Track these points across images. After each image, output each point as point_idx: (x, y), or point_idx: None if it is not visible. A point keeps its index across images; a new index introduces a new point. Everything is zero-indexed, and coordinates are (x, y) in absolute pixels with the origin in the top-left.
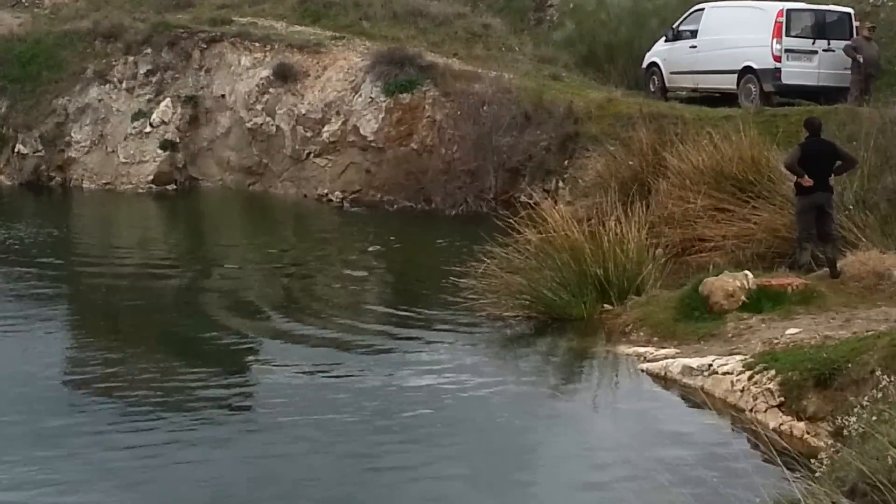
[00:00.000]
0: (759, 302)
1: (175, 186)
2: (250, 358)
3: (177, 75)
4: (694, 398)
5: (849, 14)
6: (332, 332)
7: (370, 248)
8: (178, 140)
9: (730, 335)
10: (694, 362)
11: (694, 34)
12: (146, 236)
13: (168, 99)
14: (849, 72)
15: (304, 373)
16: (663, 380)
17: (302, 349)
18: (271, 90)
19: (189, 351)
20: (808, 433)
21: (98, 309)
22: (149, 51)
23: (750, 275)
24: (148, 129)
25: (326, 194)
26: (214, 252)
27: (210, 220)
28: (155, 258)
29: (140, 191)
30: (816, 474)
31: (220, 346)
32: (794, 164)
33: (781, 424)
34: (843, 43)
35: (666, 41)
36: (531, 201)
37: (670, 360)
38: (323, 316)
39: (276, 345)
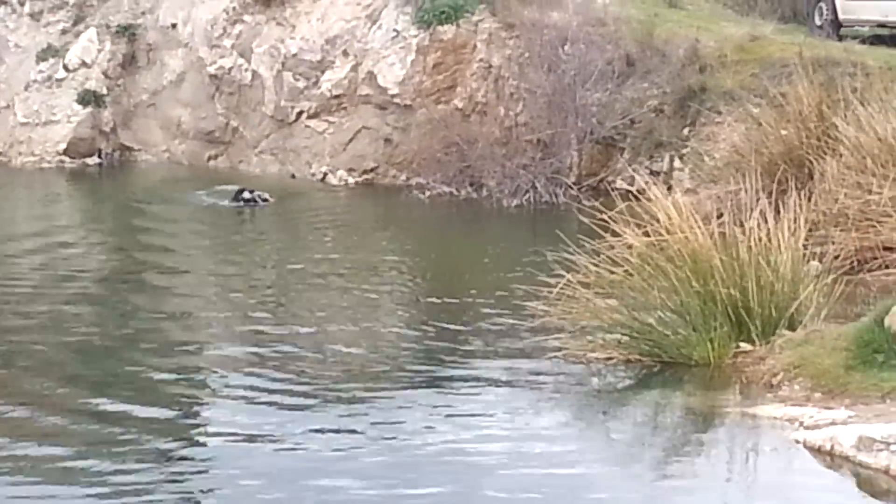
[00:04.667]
0: None
1: (99, 160)
2: (212, 405)
3: None
4: (876, 484)
5: None
6: (334, 380)
7: (389, 257)
8: (105, 91)
9: None
10: (876, 431)
11: None
12: (49, 238)
13: (92, 30)
14: None
15: (280, 435)
16: (829, 456)
17: (290, 399)
18: (246, 18)
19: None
20: None
21: None
22: None
23: None
24: (61, 73)
25: (324, 174)
26: (159, 259)
27: (151, 212)
28: (53, 269)
29: (46, 166)
30: None
31: (160, 385)
32: None
33: None
34: None
35: None
36: (633, 188)
37: (840, 428)
38: (322, 351)
39: (260, 389)
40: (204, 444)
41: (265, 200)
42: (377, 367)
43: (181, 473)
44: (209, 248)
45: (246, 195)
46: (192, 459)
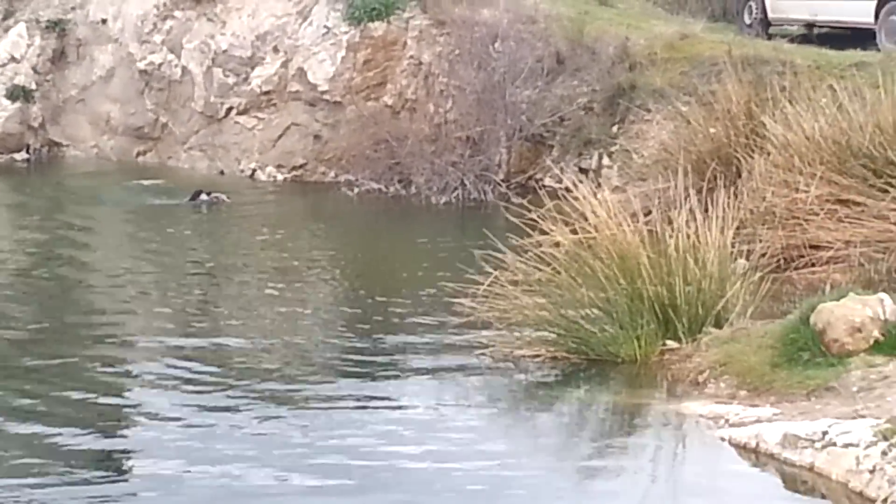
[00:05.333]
0: None
1: (27, 156)
2: (135, 410)
3: None
4: (800, 482)
5: None
6: (260, 376)
7: (317, 253)
8: (34, 86)
9: (855, 389)
10: (801, 428)
11: None
12: None
13: (21, 24)
14: None
15: (209, 436)
16: (754, 454)
17: (213, 399)
18: (176, 14)
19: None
20: None
21: None
22: None
23: (887, 300)
24: None
25: (253, 170)
26: (83, 257)
27: (77, 208)
28: None
29: None
30: None
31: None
32: None
33: None
34: None
35: None
36: (561, 186)
37: (765, 425)
38: (246, 352)
39: (182, 392)
40: (128, 433)
41: (222, 200)
42: (303, 364)
43: (105, 461)
44: (137, 245)
45: (204, 196)
46: (116, 449)
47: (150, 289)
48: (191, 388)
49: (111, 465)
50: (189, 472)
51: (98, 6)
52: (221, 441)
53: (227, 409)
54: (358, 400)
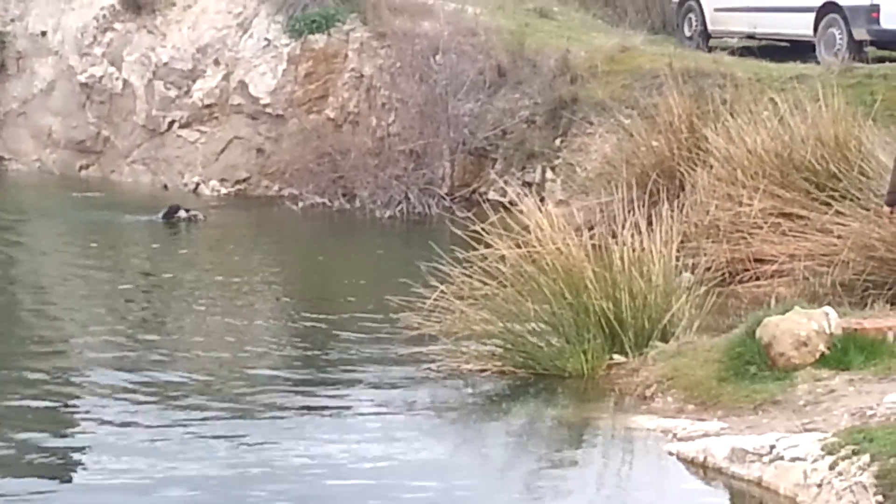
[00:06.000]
0: (846, 354)
1: None
2: (74, 421)
3: None
4: (748, 496)
5: None
6: (203, 391)
7: (262, 268)
8: None
9: (802, 403)
10: (748, 442)
11: None
12: None
13: None
14: None
15: (152, 451)
16: (702, 468)
17: (155, 414)
18: (116, 26)
19: None
20: None
21: None
22: None
23: (832, 313)
24: None
25: (197, 184)
26: (19, 272)
27: (15, 224)
28: None
29: None
30: None
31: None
32: None
33: None
34: None
35: None
36: (505, 199)
37: (713, 440)
38: (190, 366)
39: (121, 408)
40: (67, 447)
41: (200, 219)
42: (246, 379)
43: (48, 467)
44: (78, 260)
45: (181, 213)
46: (58, 457)
47: (89, 304)
48: (129, 404)
49: (48, 476)
50: (128, 485)
51: (37, 18)
52: (163, 454)
53: (168, 423)
54: (302, 415)
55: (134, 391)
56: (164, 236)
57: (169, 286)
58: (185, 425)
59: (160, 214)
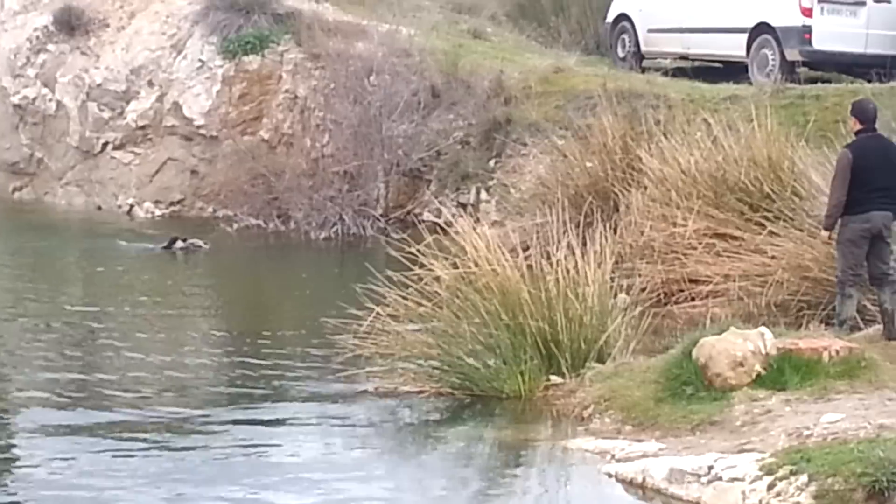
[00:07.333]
0: (782, 374)
1: None
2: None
3: None
4: None
5: None
6: (136, 419)
7: (192, 290)
8: None
9: (739, 423)
10: (686, 463)
11: None
12: None
13: None
14: None
15: (91, 474)
16: (641, 489)
17: (90, 432)
18: (50, 47)
19: None
20: None
21: None
22: None
23: (768, 334)
24: None
25: (131, 206)
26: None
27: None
28: None
29: None
30: None
31: None
32: (844, 180)
33: None
34: None
35: None
36: (440, 220)
37: (651, 460)
38: (124, 392)
39: (57, 433)
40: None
41: (199, 247)
42: (179, 404)
43: None
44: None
45: (179, 243)
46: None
47: (29, 329)
48: (66, 430)
49: None
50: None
51: None
52: (102, 478)
53: (104, 449)
54: (237, 439)
55: (65, 416)
56: (96, 259)
57: (100, 310)
58: (117, 448)
59: (162, 245)
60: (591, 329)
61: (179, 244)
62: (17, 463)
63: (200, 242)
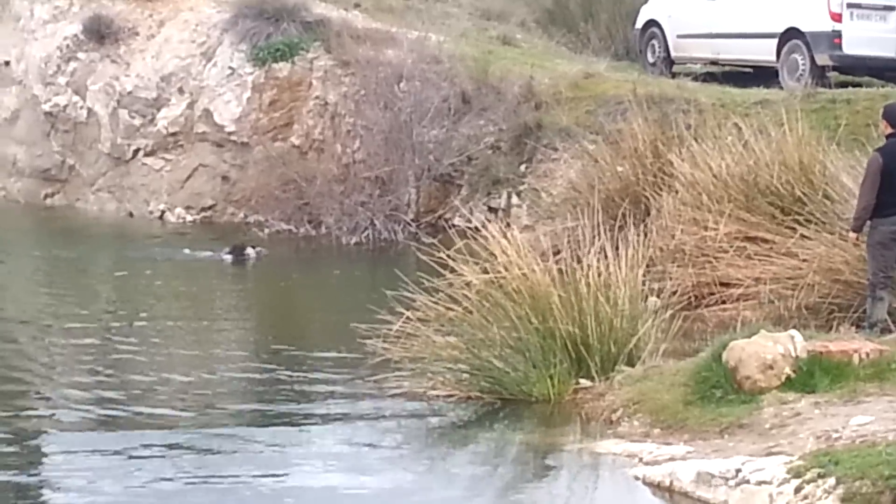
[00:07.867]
0: (812, 377)
1: None
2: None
3: None
4: None
5: None
6: (170, 422)
7: (228, 295)
8: None
9: (768, 426)
10: (714, 466)
11: None
12: None
13: None
14: None
15: (116, 481)
16: (668, 492)
17: (127, 438)
18: (80, 55)
19: None
20: None
21: None
22: None
23: (798, 336)
24: None
25: (163, 212)
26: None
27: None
28: None
29: None
30: None
31: None
32: (874, 184)
33: None
34: None
35: None
36: (471, 225)
37: (679, 463)
38: (157, 397)
39: (101, 421)
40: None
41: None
42: (211, 408)
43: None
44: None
45: (249, 251)
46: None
47: (59, 336)
48: (96, 432)
49: None
50: None
51: (1, 48)
52: (127, 485)
53: (133, 455)
54: (269, 444)
55: (96, 419)
56: (123, 263)
57: (133, 316)
58: (150, 455)
59: (226, 252)
60: (621, 332)
61: (250, 252)
62: (47, 474)
63: (265, 251)
